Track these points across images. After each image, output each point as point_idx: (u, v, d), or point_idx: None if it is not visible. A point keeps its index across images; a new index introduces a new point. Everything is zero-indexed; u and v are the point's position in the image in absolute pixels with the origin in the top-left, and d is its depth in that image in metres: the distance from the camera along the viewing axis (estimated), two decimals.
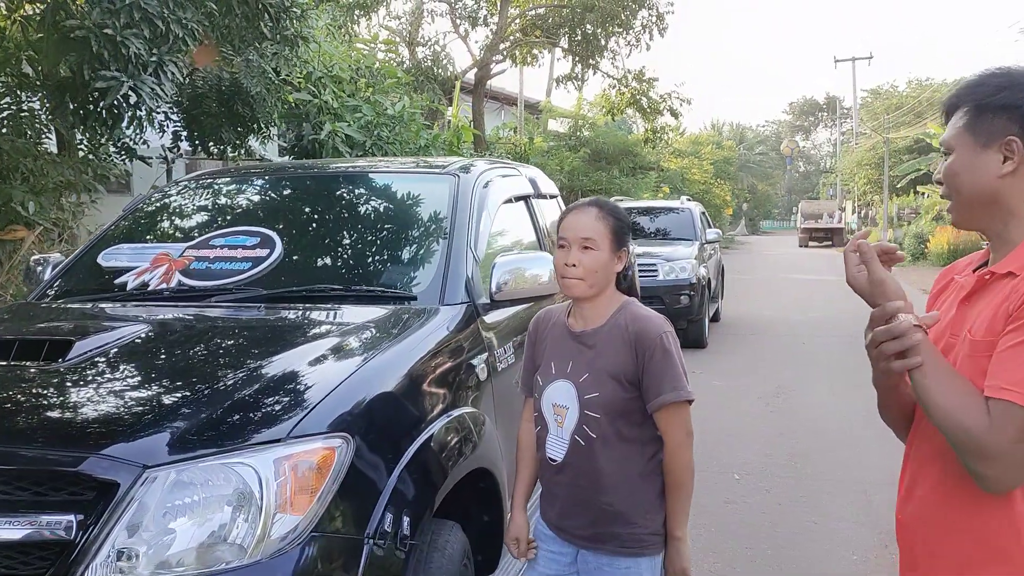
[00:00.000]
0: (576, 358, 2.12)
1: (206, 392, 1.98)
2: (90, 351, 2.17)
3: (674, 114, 16.81)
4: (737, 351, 9.70)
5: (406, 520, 1.98)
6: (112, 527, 1.66)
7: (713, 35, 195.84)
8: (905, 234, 29.91)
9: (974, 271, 1.58)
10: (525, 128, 20.36)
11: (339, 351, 2.27)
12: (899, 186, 37.44)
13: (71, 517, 1.67)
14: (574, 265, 2.04)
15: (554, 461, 2.14)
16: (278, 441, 1.82)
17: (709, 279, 10.64)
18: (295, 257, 2.99)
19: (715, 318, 11.59)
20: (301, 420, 1.87)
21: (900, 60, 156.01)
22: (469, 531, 2.48)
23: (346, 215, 3.26)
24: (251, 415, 1.91)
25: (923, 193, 29.88)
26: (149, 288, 2.91)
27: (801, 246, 40.86)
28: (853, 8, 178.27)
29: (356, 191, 3.40)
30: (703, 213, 12.51)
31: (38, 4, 5.70)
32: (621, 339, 2.05)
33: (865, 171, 41.96)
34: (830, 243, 40.76)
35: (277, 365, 2.14)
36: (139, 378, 2.16)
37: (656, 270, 9.64)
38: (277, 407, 1.95)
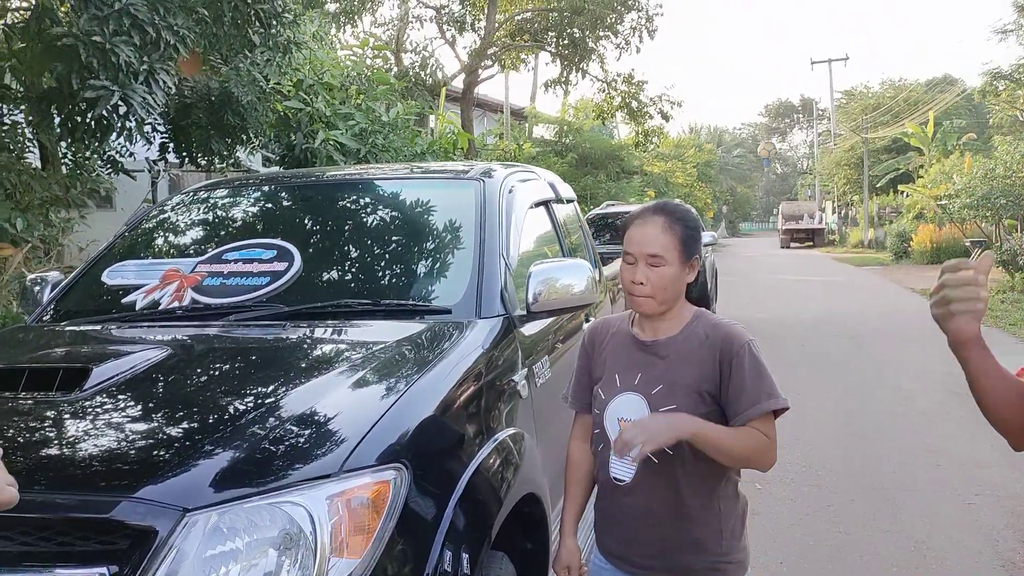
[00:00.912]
0: (646, 369, 1.94)
1: (243, 423, 1.80)
2: (109, 379, 1.99)
3: (665, 117, 16.75)
4: None
5: (465, 557, 1.81)
6: None
7: (687, 39, 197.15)
8: (887, 233, 30.09)
9: None
10: (511, 134, 20.24)
11: (380, 372, 2.10)
12: (878, 185, 37.71)
13: (103, 570, 1.48)
14: (642, 283, 1.88)
15: (620, 482, 1.93)
16: (329, 476, 1.64)
17: (705, 282, 10.54)
18: (316, 270, 2.81)
19: None
20: (353, 451, 1.70)
21: (873, 62, 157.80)
22: (513, 560, 2.31)
23: (367, 224, 3.09)
24: (296, 448, 1.73)
25: (903, 192, 30.04)
26: (161, 307, 2.72)
27: (783, 247, 41.03)
28: (825, 12, 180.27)
29: (375, 198, 3.23)
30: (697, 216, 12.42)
31: (22, 11, 5.49)
32: (700, 349, 1.89)
33: (844, 171, 42.23)
34: (811, 244, 40.96)
35: (316, 390, 1.96)
36: (168, 409, 1.97)
37: None
38: (324, 438, 1.77)
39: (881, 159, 38.70)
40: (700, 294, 2.23)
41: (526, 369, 2.58)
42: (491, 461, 2.12)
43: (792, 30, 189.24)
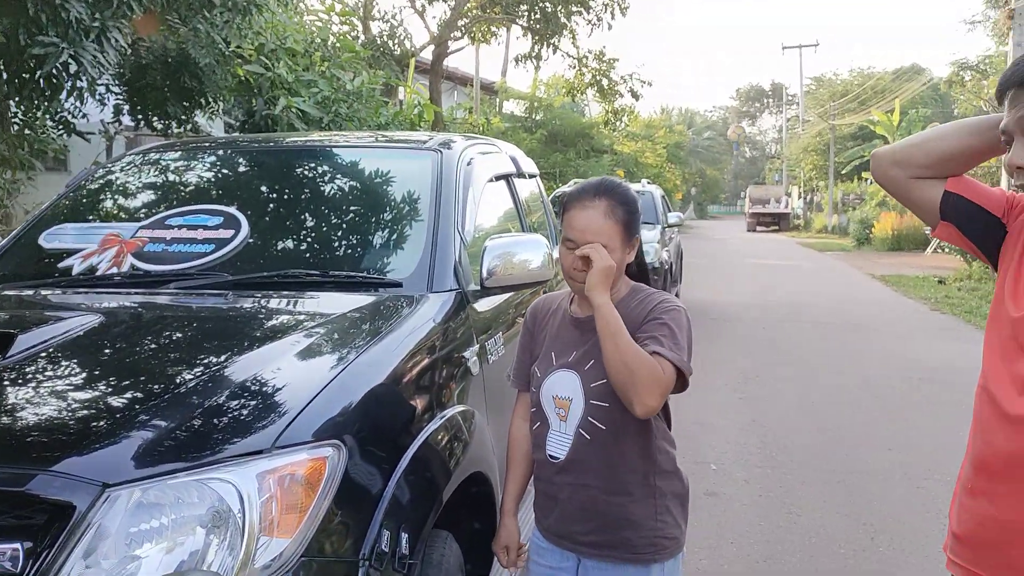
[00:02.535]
0: (580, 345, 1.91)
1: (173, 396, 1.72)
2: (34, 347, 1.88)
3: (635, 96, 16.68)
4: (700, 337, 9.54)
5: (404, 537, 1.75)
6: (67, 556, 1.40)
7: (661, 19, 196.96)
8: (850, 219, 30.47)
9: None
10: (481, 109, 20.04)
11: (323, 345, 2.03)
12: (844, 172, 38.13)
13: (16, 545, 1.40)
14: (584, 270, 1.83)
15: (555, 459, 1.92)
16: (261, 452, 1.57)
17: (671, 263, 10.56)
18: (264, 239, 2.71)
19: None
20: (287, 427, 1.62)
21: (843, 49, 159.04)
22: (460, 540, 2.26)
23: (320, 193, 2.98)
24: (227, 422, 1.66)
25: (867, 179, 30.40)
26: (98, 273, 2.60)
27: (749, 231, 41.41)
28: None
29: (329, 166, 3.12)
30: (663, 196, 12.43)
31: None
32: (630, 319, 1.84)
33: (811, 157, 42.66)
34: (777, 228, 41.40)
35: (253, 363, 1.88)
36: (94, 379, 1.88)
37: None
38: (257, 412, 1.69)
39: (847, 146, 39.12)
40: (640, 269, 2.19)
41: (478, 346, 2.52)
42: (438, 438, 2.06)
43: (765, 15, 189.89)
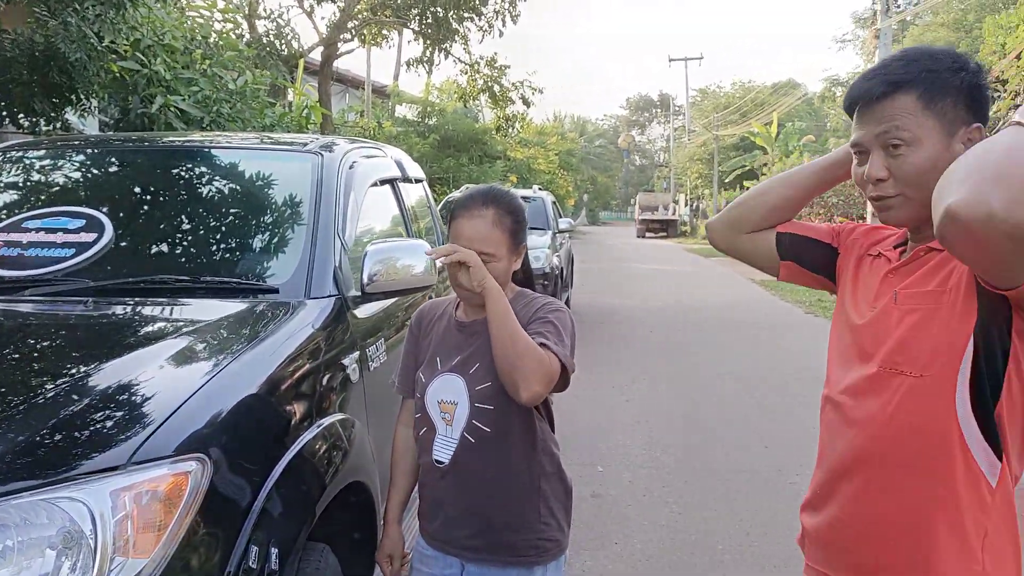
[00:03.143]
0: (465, 349, 1.91)
1: (21, 408, 1.61)
2: None
3: (526, 102, 16.85)
4: (589, 341, 9.80)
5: (274, 552, 1.69)
6: None
7: (554, 29, 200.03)
8: None
9: (895, 247, 1.57)
10: (373, 112, 19.79)
11: (189, 354, 1.94)
12: (727, 181, 39.70)
13: None
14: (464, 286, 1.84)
15: (441, 464, 1.91)
16: (115, 469, 1.49)
17: (562, 268, 10.70)
18: (130, 243, 2.58)
19: None
20: (145, 441, 1.54)
21: (727, 62, 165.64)
22: (339, 552, 2.21)
23: (193, 195, 2.86)
24: (81, 437, 1.56)
25: (748, 188, 31.75)
26: None
27: (639, 237, 42.51)
28: (685, 10, 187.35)
29: (204, 168, 3.00)
30: (554, 203, 12.60)
31: None
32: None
33: (696, 166, 44.23)
34: (665, 234, 42.67)
35: (111, 374, 1.78)
36: None
37: None
38: (113, 426, 1.60)
39: (730, 156, 40.75)
40: (525, 275, 2.20)
41: (359, 353, 2.47)
42: (314, 448, 2.01)
43: (653, 26, 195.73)
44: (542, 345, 1.76)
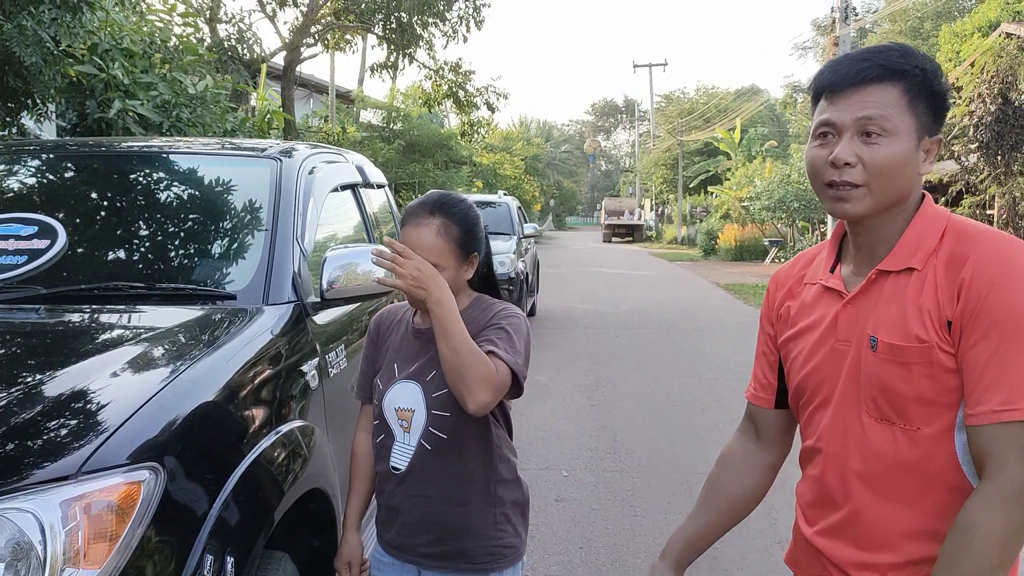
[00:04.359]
0: (422, 356, 1.91)
1: None
2: None
3: (491, 108, 16.85)
4: (555, 345, 9.83)
5: (230, 560, 1.68)
6: None
7: (518, 34, 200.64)
8: (698, 231, 32.05)
9: (832, 270, 1.49)
10: (337, 118, 19.67)
11: (143, 361, 1.91)
12: (691, 186, 40.07)
13: None
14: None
15: (397, 471, 1.91)
16: (66, 479, 1.46)
17: (527, 273, 10.72)
18: (85, 250, 2.54)
19: (531, 312, 11.72)
20: (96, 450, 1.52)
21: (691, 68, 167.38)
22: (298, 559, 2.20)
23: (150, 201, 2.83)
24: (31, 446, 1.53)
25: (712, 193, 32.08)
26: None
27: (605, 241, 42.74)
28: (649, 15, 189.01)
29: (161, 173, 2.96)
30: (519, 208, 12.63)
31: None
32: (471, 327, 1.85)
33: (661, 171, 44.57)
34: (631, 239, 42.96)
35: (62, 382, 1.75)
36: None
37: None
38: (64, 435, 1.58)
39: (695, 161, 41.14)
40: (483, 283, 2.17)
41: (317, 359, 2.46)
42: (272, 455, 2.00)
43: (618, 32, 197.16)
44: (491, 353, 1.75)
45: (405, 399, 1.91)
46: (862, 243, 1.44)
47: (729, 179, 29.05)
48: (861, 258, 1.45)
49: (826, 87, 1.40)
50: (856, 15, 17.75)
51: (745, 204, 24.10)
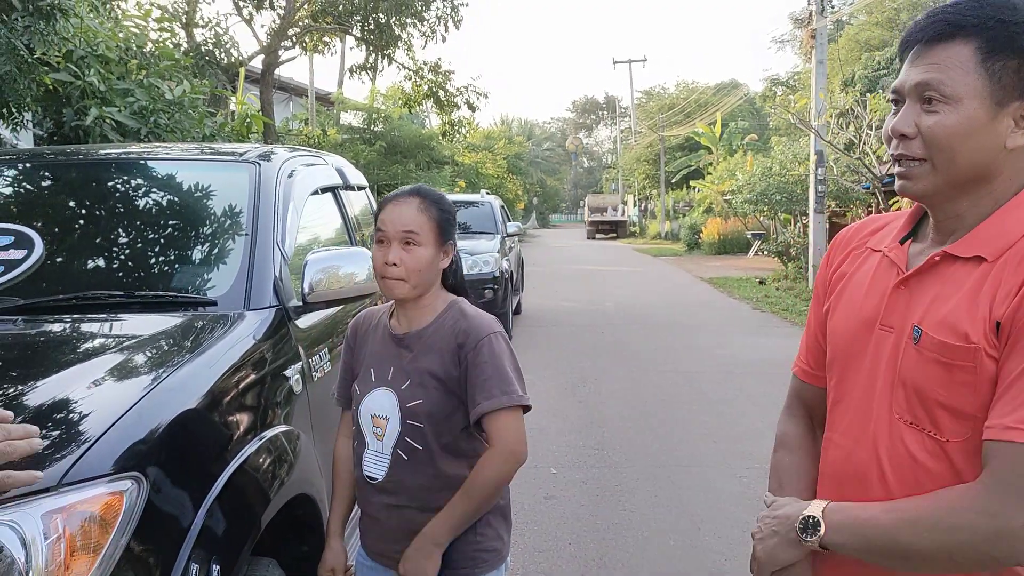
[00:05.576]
0: (397, 363, 1.90)
1: None
2: None
3: (471, 107, 16.84)
4: (541, 343, 9.84)
5: (216, 568, 1.67)
6: None
7: (498, 33, 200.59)
8: (681, 226, 32.14)
9: (902, 242, 1.33)
10: (317, 120, 19.58)
11: (124, 370, 1.90)
12: (674, 181, 40.16)
13: None
14: (395, 264, 1.82)
15: (373, 480, 1.91)
16: (47, 491, 1.45)
17: (512, 272, 10.71)
18: (62, 259, 2.52)
19: (517, 311, 11.72)
20: (77, 461, 1.51)
21: (670, 64, 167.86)
22: (286, 565, 2.19)
23: (128, 208, 2.80)
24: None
25: (695, 187, 32.16)
26: None
27: (589, 238, 42.78)
28: (627, 12, 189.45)
29: (139, 180, 2.94)
30: (502, 207, 12.62)
31: None
32: (445, 340, 1.86)
33: (643, 167, 44.63)
34: (615, 235, 43.02)
35: (42, 392, 1.74)
36: None
37: None
38: (45, 446, 1.56)
39: (676, 156, 41.21)
40: (455, 281, 2.18)
41: (301, 362, 2.45)
42: (257, 461, 1.99)
43: (597, 29, 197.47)
44: (491, 413, 1.80)
45: (380, 406, 1.90)
46: (941, 223, 1.27)
47: (711, 173, 29.11)
48: (937, 238, 1.28)
49: (901, 48, 1.25)
50: (833, 7, 17.87)
51: (727, 198, 24.18)
